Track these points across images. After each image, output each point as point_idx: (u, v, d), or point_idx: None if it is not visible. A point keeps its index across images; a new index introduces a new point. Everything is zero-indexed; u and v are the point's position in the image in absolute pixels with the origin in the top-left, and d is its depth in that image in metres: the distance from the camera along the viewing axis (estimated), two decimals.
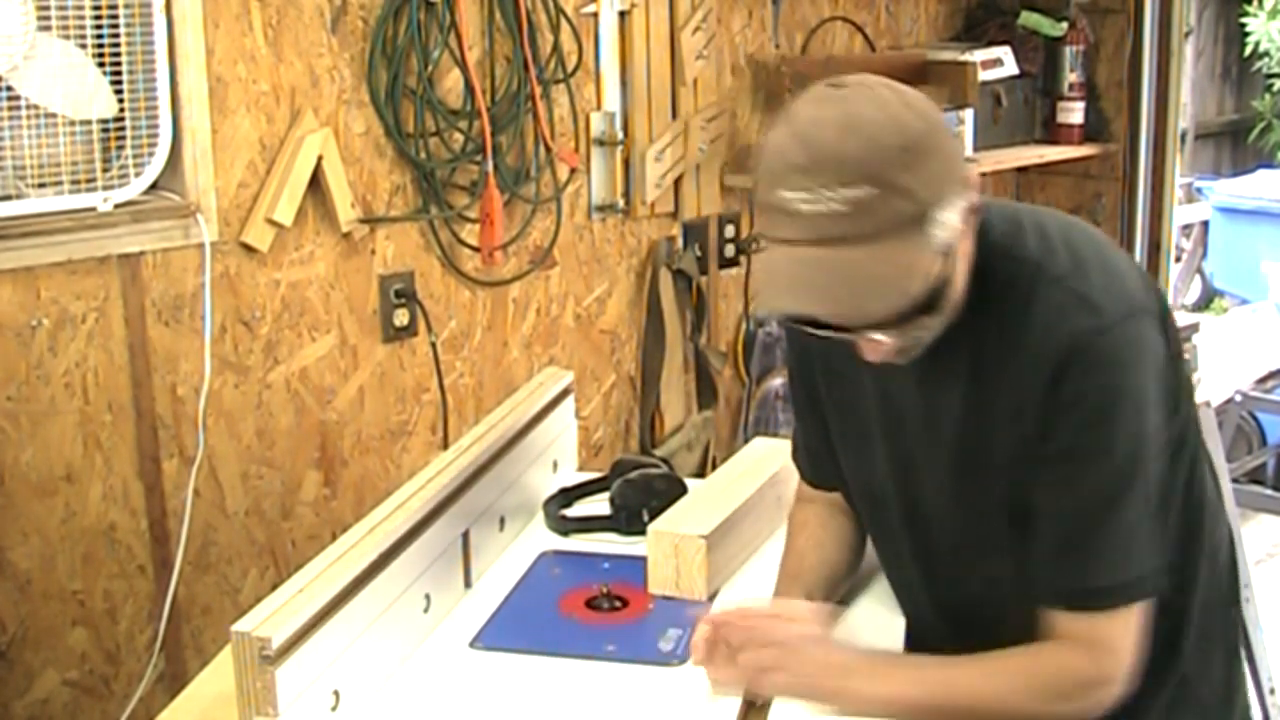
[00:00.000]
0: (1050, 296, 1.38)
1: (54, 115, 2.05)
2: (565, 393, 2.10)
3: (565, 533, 1.91)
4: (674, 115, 3.01)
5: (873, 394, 1.54)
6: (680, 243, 3.10)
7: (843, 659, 1.43)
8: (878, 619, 1.67)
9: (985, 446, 1.45)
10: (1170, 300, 4.03)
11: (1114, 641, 1.39)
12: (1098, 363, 1.36)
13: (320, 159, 2.40)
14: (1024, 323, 1.39)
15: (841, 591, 1.67)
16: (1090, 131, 3.67)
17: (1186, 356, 1.52)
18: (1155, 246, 3.70)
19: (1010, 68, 3.46)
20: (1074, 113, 3.64)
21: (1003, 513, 1.46)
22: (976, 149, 3.40)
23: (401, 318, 2.60)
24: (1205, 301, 6.56)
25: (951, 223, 1.31)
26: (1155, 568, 1.40)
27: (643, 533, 1.75)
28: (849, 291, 1.30)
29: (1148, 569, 1.39)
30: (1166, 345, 1.42)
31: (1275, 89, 6.83)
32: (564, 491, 2.00)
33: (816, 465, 1.71)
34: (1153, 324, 1.40)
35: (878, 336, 1.36)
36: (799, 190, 1.28)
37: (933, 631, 1.61)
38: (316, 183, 2.41)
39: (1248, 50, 6.81)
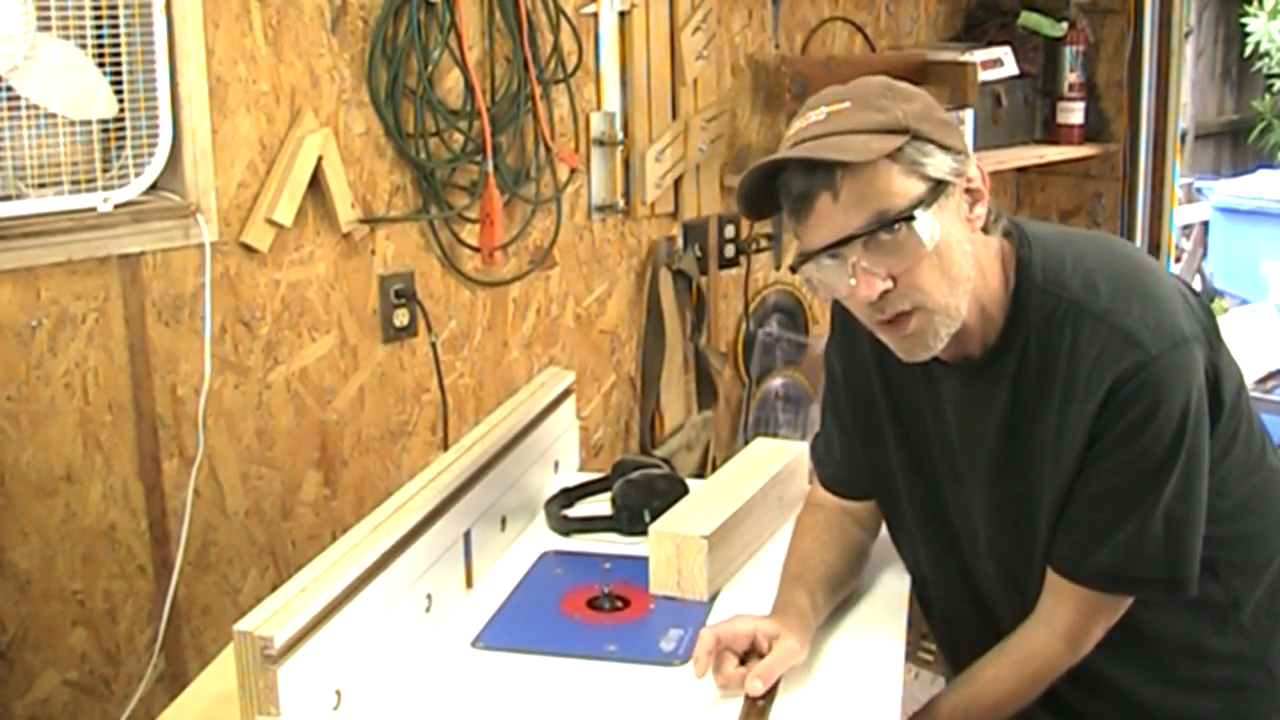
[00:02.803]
0: (1095, 333, 1.43)
1: (54, 115, 2.05)
2: (567, 393, 2.09)
3: (567, 533, 1.91)
4: (674, 115, 3.01)
5: (927, 404, 1.58)
6: (680, 243, 3.10)
7: None
8: (878, 618, 1.67)
9: (1019, 465, 1.50)
10: None
11: (1094, 629, 1.50)
12: (1141, 390, 1.40)
13: (320, 159, 2.40)
14: (1070, 357, 1.44)
15: (843, 595, 1.68)
16: (1090, 131, 3.67)
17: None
18: (1155, 246, 3.69)
19: (1010, 68, 3.46)
20: (1074, 113, 3.64)
21: (1033, 523, 1.52)
22: (976, 149, 3.37)
23: (401, 318, 2.60)
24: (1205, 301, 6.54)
25: (937, 162, 1.40)
26: (1165, 576, 1.46)
27: (644, 533, 1.75)
28: (825, 148, 1.39)
29: (1156, 574, 1.46)
30: (1214, 363, 1.46)
31: (1275, 89, 6.83)
32: (565, 492, 2.00)
33: (853, 476, 1.73)
34: (1197, 349, 1.44)
35: (864, 264, 1.40)
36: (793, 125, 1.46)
37: (960, 623, 1.69)
38: (316, 183, 2.41)
39: (1248, 50, 6.80)
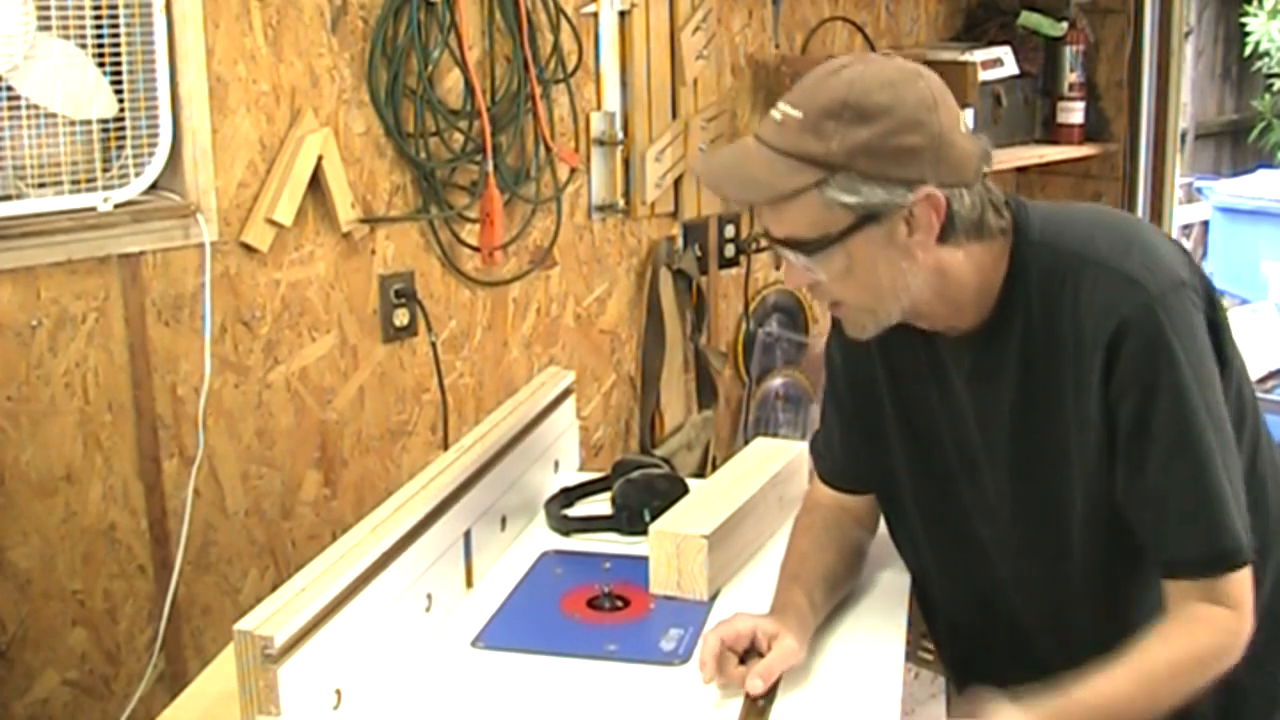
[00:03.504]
0: (1096, 281, 1.42)
1: (54, 115, 2.05)
2: (567, 393, 2.09)
3: (567, 532, 1.91)
4: (674, 115, 3.01)
5: (935, 392, 1.57)
6: (680, 243, 3.10)
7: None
8: (879, 618, 1.67)
9: (1041, 435, 1.48)
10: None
11: (1236, 602, 1.41)
12: (1149, 335, 1.38)
13: (320, 159, 2.40)
14: (1073, 310, 1.43)
15: (841, 595, 1.67)
16: (1090, 131, 3.67)
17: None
18: None
19: (1010, 68, 3.46)
20: (1074, 113, 3.64)
21: (1064, 504, 1.49)
22: None
23: (401, 318, 2.60)
24: None
25: (867, 196, 1.38)
26: (1247, 529, 1.42)
27: (644, 533, 1.75)
28: (740, 176, 1.44)
29: (1246, 530, 1.42)
30: (1212, 318, 1.45)
31: (1275, 89, 6.83)
32: (565, 491, 2.00)
33: (853, 469, 1.72)
34: (1196, 298, 1.43)
35: (787, 254, 1.45)
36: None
37: (966, 624, 1.67)
38: (316, 183, 2.41)
39: (1248, 50, 6.80)
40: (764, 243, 1.51)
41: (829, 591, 1.64)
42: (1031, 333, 1.47)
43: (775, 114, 1.43)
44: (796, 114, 1.41)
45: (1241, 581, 1.43)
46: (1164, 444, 1.40)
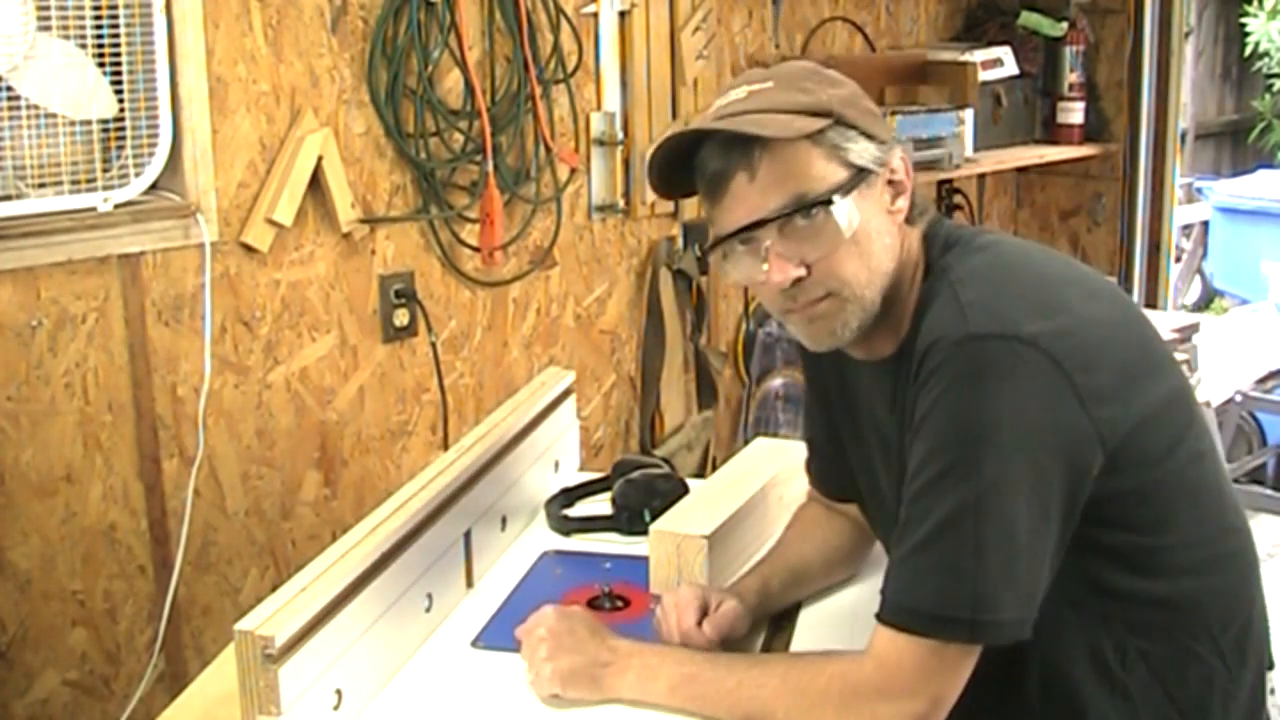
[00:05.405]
0: (940, 299, 1.31)
1: (54, 115, 2.05)
2: (567, 393, 2.09)
3: (567, 533, 1.91)
4: (674, 115, 3.01)
5: (871, 422, 1.51)
6: (680, 243, 3.10)
7: (616, 648, 1.43)
8: None
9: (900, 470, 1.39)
10: (1169, 303, 4.03)
11: (902, 663, 1.28)
12: (945, 372, 1.26)
13: (320, 159, 2.40)
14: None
15: (812, 588, 1.67)
16: (1090, 131, 3.68)
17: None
18: (1155, 246, 3.70)
19: (1010, 68, 3.47)
20: (1074, 113, 3.65)
21: None
22: (976, 149, 3.40)
23: (401, 318, 2.60)
24: (1205, 301, 6.57)
25: (860, 149, 1.33)
26: (974, 617, 1.24)
27: (644, 533, 1.75)
28: (749, 122, 1.31)
29: (962, 612, 1.24)
30: (1073, 406, 1.24)
31: (1275, 89, 6.85)
32: (566, 491, 2.00)
33: (825, 474, 1.71)
34: (1042, 365, 1.23)
35: (778, 249, 1.32)
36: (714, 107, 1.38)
37: None
38: (316, 183, 2.41)
39: (1248, 50, 6.82)
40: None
41: (794, 581, 1.63)
42: (911, 353, 1.35)
43: (737, 92, 1.36)
44: (768, 84, 1.35)
45: (912, 651, 1.26)
46: (918, 484, 1.27)
